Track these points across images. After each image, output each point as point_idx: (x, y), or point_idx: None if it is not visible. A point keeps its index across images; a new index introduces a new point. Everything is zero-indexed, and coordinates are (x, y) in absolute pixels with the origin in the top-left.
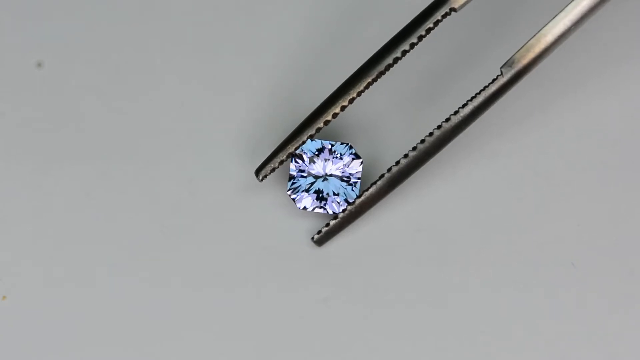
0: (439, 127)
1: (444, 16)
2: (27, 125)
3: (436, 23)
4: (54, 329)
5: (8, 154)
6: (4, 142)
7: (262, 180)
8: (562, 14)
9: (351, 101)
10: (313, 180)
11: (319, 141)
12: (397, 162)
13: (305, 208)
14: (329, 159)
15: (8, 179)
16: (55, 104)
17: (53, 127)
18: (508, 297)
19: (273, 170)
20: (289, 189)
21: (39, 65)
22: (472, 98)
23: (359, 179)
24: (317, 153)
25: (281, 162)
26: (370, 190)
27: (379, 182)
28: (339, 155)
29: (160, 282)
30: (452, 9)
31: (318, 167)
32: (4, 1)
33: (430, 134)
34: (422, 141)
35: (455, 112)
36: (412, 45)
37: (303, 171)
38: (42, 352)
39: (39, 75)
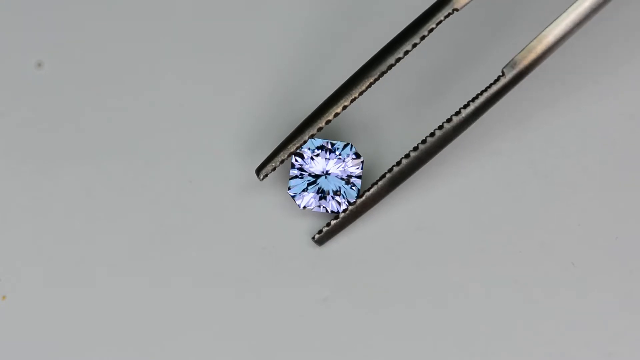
0: (440, 127)
1: (446, 16)
2: (27, 125)
3: (438, 23)
4: (54, 329)
5: (8, 154)
6: (4, 142)
7: (262, 179)
8: (563, 15)
9: (353, 100)
10: (314, 179)
11: (319, 140)
12: (398, 162)
13: (305, 207)
14: (329, 158)
15: (8, 179)
16: (55, 104)
17: (53, 127)
18: (508, 297)
19: (274, 169)
20: (290, 188)
21: (39, 65)
22: (474, 98)
23: (359, 178)
24: (318, 152)
25: (282, 161)
26: (371, 190)
27: (380, 182)
28: (339, 155)
29: (160, 282)
30: (455, 10)
31: (319, 167)
32: (4, 1)
33: (432, 134)
34: (424, 141)
35: (457, 112)
36: (414, 45)
37: (304, 170)
38: (42, 352)
39: (39, 75)
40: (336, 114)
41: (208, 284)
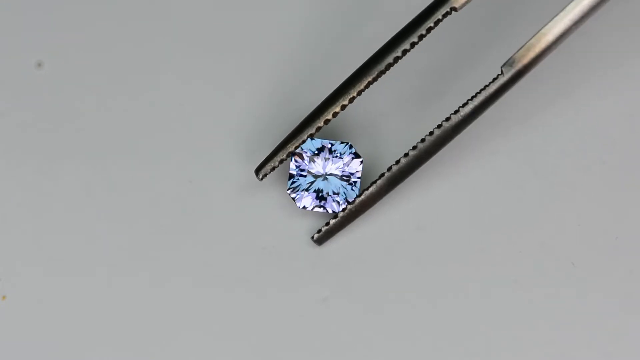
0: (439, 126)
1: (444, 15)
2: (27, 125)
3: (437, 22)
4: (54, 328)
5: (8, 154)
6: (4, 142)
7: (262, 179)
8: (562, 14)
9: (351, 100)
10: (313, 179)
11: (319, 140)
12: (398, 161)
13: (305, 207)
14: (329, 158)
15: (8, 179)
16: (55, 104)
17: (53, 127)
18: (508, 297)
19: (273, 169)
20: (289, 188)
21: (39, 65)
22: (473, 97)
23: (359, 178)
24: (317, 152)
25: (281, 161)
26: (371, 189)
27: (379, 181)
28: (339, 155)
29: (160, 282)
30: (453, 8)
31: (318, 166)
32: (4, 1)
33: (431, 133)
34: (423, 140)
35: (456, 111)
36: (413, 45)
37: (303, 170)
38: (42, 352)
39: (39, 75)
40: (335, 114)
41: (208, 284)
